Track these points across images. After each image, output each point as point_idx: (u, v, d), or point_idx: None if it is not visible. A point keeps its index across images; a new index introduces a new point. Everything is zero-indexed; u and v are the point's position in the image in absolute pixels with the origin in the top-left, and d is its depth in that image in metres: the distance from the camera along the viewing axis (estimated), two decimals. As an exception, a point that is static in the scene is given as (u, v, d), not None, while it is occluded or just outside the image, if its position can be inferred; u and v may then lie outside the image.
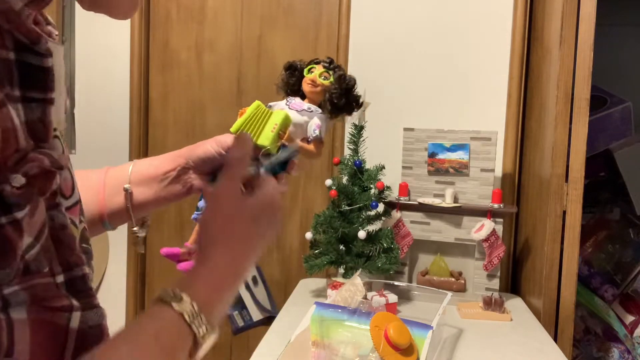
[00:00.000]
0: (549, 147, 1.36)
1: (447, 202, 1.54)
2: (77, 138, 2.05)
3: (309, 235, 1.52)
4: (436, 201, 1.55)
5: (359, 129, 1.52)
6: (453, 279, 1.57)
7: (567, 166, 1.32)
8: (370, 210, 1.50)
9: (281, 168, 0.67)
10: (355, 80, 0.75)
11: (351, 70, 1.83)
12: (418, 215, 1.58)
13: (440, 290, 1.37)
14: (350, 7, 1.82)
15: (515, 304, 1.53)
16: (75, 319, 0.43)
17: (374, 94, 1.73)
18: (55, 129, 0.44)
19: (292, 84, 0.77)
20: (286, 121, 0.69)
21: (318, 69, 0.75)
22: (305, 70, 0.76)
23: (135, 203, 0.70)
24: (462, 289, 1.56)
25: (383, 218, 1.55)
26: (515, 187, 1.73)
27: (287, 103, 0.74)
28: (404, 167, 1.61)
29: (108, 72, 2.02)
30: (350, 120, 1.52)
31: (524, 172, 1.70)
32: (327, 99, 0.73)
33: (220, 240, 0.53)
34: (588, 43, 1.27)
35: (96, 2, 0.45)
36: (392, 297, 1.37)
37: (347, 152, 1.56)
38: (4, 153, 0.36)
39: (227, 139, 0.68)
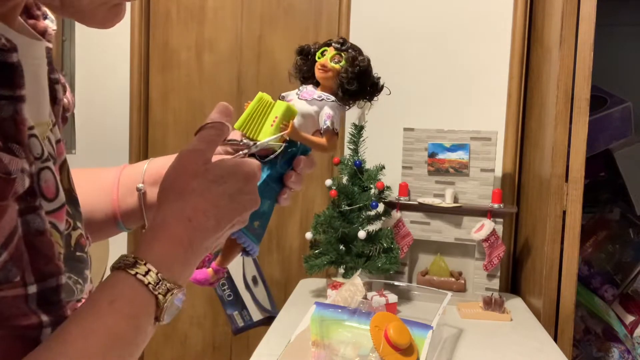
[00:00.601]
0: (549, 147, 1.36)
1: (447, 202, 1.54)
2: (77, 138, 2.05)
3: (309, 235, 1.52)
4: (436, 201, 1.55)
5: (359, 129, 1.52)
6: (453, 279, 1.57)
7: (567, 166, 1.32)
8: (370, 210, 1.50)
9: (287, 165, 0.63)
10: (368, 61, 0.67)
11: (351, 70, 1.83)
12: (418, 215, 1.58)
13: (440, 290, 1.37)
14: (350, 7, 1.82)
15: (515, 304, 1.53)
16: (46, 335, 0.41)
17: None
18: (32, 127, 0.42)
19: (305, 71, 0.69)
20: (288, 113, 0.62)
21: (330, 52, 0.67)
22: (318, 53, 0.67)
23: (149, 203, 0.66)
24: (462, 289, 1.56)
25: (383, 218, 1.55)
26: (515, 187, 1.73)
27: (298, 92, 0.67)
28: (404, 167, 1.61)
29: (108, 72, 2.03)
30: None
31: (524, 172, 1.70)
32: (341, 85, 0.65)
33: (173, 195, 0.50)
34: (588, 43, 1.27)
35: (66, 12, 0.43)
36: (392, 297, 1.37)
37: (347, 152, 1.56)
38: None
39: (234, 137, 0.64)
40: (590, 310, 1.59)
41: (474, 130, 1.54)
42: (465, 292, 1.56)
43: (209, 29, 1.97)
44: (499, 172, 1.71)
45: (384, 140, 1.76)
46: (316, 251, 1.50)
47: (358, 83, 0.65)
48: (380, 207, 1.53)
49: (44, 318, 0.41)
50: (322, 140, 0.65)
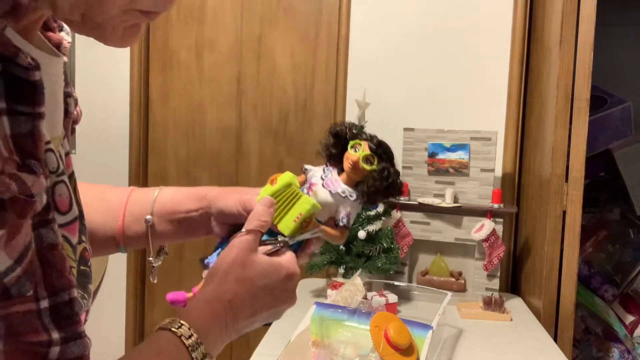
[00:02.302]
0: (549, 147, 1.36)
1: (447, 202, 1.54)
2: (77, 138, 2.05)
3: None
4: (436, 201, 1.55)
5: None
6: (453, 279, 1.57)
7: (567, 166, 1.32)
8: (370, 210, 1.50)
9: (298, 245, 0.65)
10: (398, 174, 0.67)
11: (351, 70, 1.83)
12: (418, 215, 1.58)
13: (440, 290, 1.37)
14: (350, 7, 1.82)
15: (515, 304, 1.53)
16: (54, 352, 0.41)
17: (374, 94, 1.74)
18: (48, 142, 0.43)
19: (334, 154, 0.69)
20: (312, 211, 0.64)
21: (363, 148, 0.66)
22: (350, 144, 0.68)
23: (156, 234, 0.68)
24: (462, 289, 1.56)
25: (383, 218, 1.55)
26: (515, 187, 1.73)
27: (324, 177, 0.68)
28: (404, 167, 1.61)
29: (108, 72, 2.03)
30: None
31: (524, 172, 1.70)
32: (364, 190, 0.66)
33: (221, 278, 0.55)
34: (588, 43, 1.27)
35: (85, 28, 0.43)
36: (392, 297, 1.37)
37: (347, 152, 1.56)
38: None
39: (251, 202, 0.64)
40: (590, 310, 1.59)
41: (474, 130, 1.54)
42: (465, 292, 1.56)
43: (209, 29, 1.98)
44: (499, 172, 1.71)
45: (384, 140, 1.76)
46: (316, 251, 1.50)
47: (383, 195, 0.67)
48: (380, 207, 1.53)
49: (55, 335, 0.41)
50: (336, 233, 0.67)
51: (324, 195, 0.66)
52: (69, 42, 0.52)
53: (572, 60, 1.29)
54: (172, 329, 0.49)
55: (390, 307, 1.35)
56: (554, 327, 1.35)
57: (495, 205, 1.50)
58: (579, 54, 1.28)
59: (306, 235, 0.64)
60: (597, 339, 1.58)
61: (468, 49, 1.75)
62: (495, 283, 1.52)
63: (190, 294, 0.65)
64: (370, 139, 0.68)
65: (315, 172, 0.69)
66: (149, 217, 0.67)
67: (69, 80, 0.52)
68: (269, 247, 0.60)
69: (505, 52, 1.72)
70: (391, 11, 1.80)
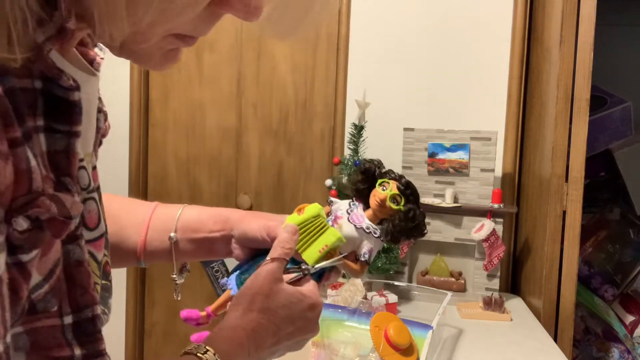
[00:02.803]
0: (549, 147, 1.36)
1: (447, 202, 1.54)
2: (77, 138, 2.05)
3: (309, 235, 1.52)
4: (436, 201, 1.55)
5: (359, 129, 1.52)
6: (453, 279, 1.57)
7: (567, 166, 1.32)
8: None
9: (318, 276, 0.66)
10: (424, 217, 0.70)
11: (351, 70, 1.83)
12: (418, 215, 1.58)
13: (440, 290, 1.37)
14: (350, 7, 1.82)
15: (515, 304, 1.53)
16: None
17: (374, 94, 1.74)
18: (82, 159, 0.44)
19: (361, 190, 0.71)
20: (337, 244, 0.66)
21: (392, 188, 0.68)
22: (378, 182, 0.70)
23: (179, 252, 0.69)
24: (462, 289, 1.56)
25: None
26: (515, 187, 1.73)
27: (349, 211, 0.70)
28: (404, 167, 1.61)
29: (108, 73, 2.02)
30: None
31: (524, 172, 1.70)
32: (389, 229, 0.68)
33: (246, 306, 0.56)
34: (588, 43, 1.27)
35: (123, 53, 0.44)
36: (392, 297, 1.37)
37: (347, 152, 1.56)
38: (14, 194, 0.35)
39: (276, 229, 0.65)
40: (590, 310, 1.59)
41: (474, 130, 1.54)
42: (465, 292, 1.56)
43: (209, 29, 1.97)
44: (499, 172, 1.71)
45: (384, 140, 1.76)
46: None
47: (407, 235, 0.69)
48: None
49: (77, 352, 0.42)
50: (357, 267, 0.68)
51: (349, 229, 0.68)
52: (102, 58, 0.52)
53: (572, 60, 1.29)
54: (198, 354, 0.50)
55: (390, 307, 1.35)
56: (554, 327, 1.35)
57: (495, 205, 1.50)
58: (579, 54, 1.28)
59: (328, 264, 0.65)
60: (597, 339, 1.58)
61: (468, 49, 1.75)
62: (495, 283, 1.52)
63: (204, 313, 0.66)
64: (399, 178, 0.70)
65: (341, 205, 0.71)
66: (172, 234, 0.68)
67: (100, 97, 0.53)
68: (292, 275, 0.61)
69: (505, 52, 1.72)
70: (391, 11, 1.80)
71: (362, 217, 0.69)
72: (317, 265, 0.64)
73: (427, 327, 1.03)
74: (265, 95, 1.94)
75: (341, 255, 0.67)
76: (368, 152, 1.52)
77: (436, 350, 1.11)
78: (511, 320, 1.39)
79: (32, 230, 0.36)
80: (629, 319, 1.56)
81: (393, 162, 1.61)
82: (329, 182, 1.50)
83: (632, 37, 1.87)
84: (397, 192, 0.68)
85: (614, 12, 1.65)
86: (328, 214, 0.70)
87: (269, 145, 1.94)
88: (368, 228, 0.68)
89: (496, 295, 1.47)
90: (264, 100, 1.94)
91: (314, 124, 1.91)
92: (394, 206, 0.68)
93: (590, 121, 1.30)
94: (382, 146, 1.72)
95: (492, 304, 1.42)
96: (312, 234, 0.65)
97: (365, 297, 1.30)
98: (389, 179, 0.70)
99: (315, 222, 0.66)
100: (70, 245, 0.41)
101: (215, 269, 1.18)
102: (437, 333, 1.08)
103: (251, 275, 0.59)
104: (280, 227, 0.64)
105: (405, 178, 0.70)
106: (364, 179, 0.71)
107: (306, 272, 0.62)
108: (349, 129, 1.55)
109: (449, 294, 1.24)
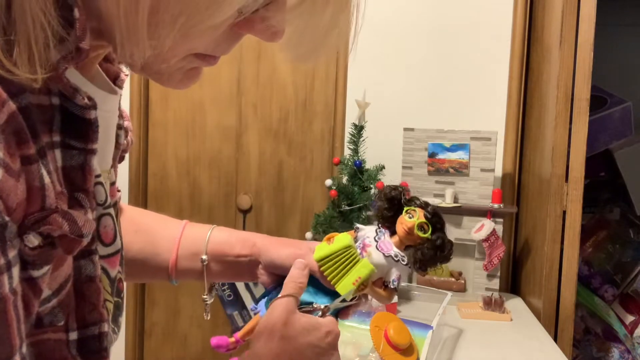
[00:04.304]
0: (549, 147, 1.36)
1: (447, 202, 1.54)
2: (77, 138, 2.05)
3: (309, 235, 1.52)
4: (436, 201, 1.55)
5: (359, 129, 1.52)
6: (453, 279, 1.57)
7: (567, 166, 1.32)
8: (370, 210, 1.50)
9: (335, 313, 0.67)
10: (452, 245, 0.70)
11: (351, 71, 1.83)
12: (418, 215, 1.58)
13: (440, 290, 1.37)
14: (350, 7, 1.82)
15: (515, 304, 1.53)
16: None
17: (374, 94, 1.74)
18: (98, 176, 0.44)
19: (387, 217, 0.72)
20: (370, 275, 0.66)
21: (419, 216, 0.69)
22: (405, 209, 0.70)
23: (211, 273, 0.71)
24: (462, 289, 1.56)
25: (383, 218, 1.55)
26: (515, 187, 1.73)
27: (377, 239, 0.70)
28: (404, 167, 1.61)
29: (108, 72, 2.02)
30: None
31: (524, 172, 1.70)
32: (417, 257, 0.68)
33: (266, 337, 0.57)
34: (588, 43, 1.27)
35: (144, 72, 0.44)
36: (392, 297, 1.37)
37: (347, 152, 1.56)
38: (26, 211, 0.35)
39: (305, 258, 0.66)
40: (590, 310, 1.59)
41: (474, 130, 1.54)
42: (465, 292, 1.56)
43: (209, 29, 1.97)
44: (499, 172, 1.71)
45: (384, 140, 1.76)
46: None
47: (434, 263, 0.69)
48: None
49: None
50: (385, 294, 0.69)
51: (378, 257, 0.68)
52: (126, 75, 0.52)
53: (572, 60, 1.29)
54: None
55: (390, 307, 1.35)
56: (554, 327, 1.35)
57: (495, 205, 1.50)
58: (579, 54, 1.28)
59: (344, 304, 0.66)
60: (597, 339, 1.58)
61: (468, 49, 1.75)
62: (495, 283, 1.52)
63: (232, 339, 0.67)
64: (425, 206, 0.70)
65: (368, 232, 0.71)
66: (204, 256, 0.69)
67: (121, 113, 0.53)
68: (308, 316, 0.62)
69: (505, 52, 1.72)
70: (391, 11, 1.80)
71: (390, 245, 0.70)
72: (331, 306, 0.65)
73: (427, 327, 1.02)
74: (265, 95, 1.94)
75: (368, 290, 0.68)
76: (368, 152, 1.52)
77: (436, 350, 1.11)
78: (511, 320, 1.39)
79: (44, 246, 0.36)
80: (629, 319, 1.56)
81: (393, 162, 1.61)
82: (329, 182, 1.50)
83: (632, 37, 1.87)
84: (424, 220, 0.69)
85: (614, 12, 1.65)
86: (355, 240, 0.70)
87: (269, 145, 1.94)
88: (397, 256, 0.69)
89: (496, 295, 1.47)
90: (264, 100, 1.94)
91: (314, 124, 1.91)
92: (421, 234, 0.68)
93: (590, 121, 1.30)
94: (382, 146, 1.72)
95: (492, 304, 1.42)
96: (344, 264, 0.65)
97: (365, 297, 1.30)
98: (415, 206, 0.70)
99: (347, 252, 0.66)
100: (82, 260, 0.41)
101: (224, 286, 1.20)
102: (437, 333, 1.08)
103: (268, 309, 0.60)
104: (310, 255, 0.65)
105: (431, 205, 0.70)
106: (389, 206, 0.72)
107: (321, 312, 0.64)
108: (349, 129, 1.55)
109: (449, 294, 1.24)
